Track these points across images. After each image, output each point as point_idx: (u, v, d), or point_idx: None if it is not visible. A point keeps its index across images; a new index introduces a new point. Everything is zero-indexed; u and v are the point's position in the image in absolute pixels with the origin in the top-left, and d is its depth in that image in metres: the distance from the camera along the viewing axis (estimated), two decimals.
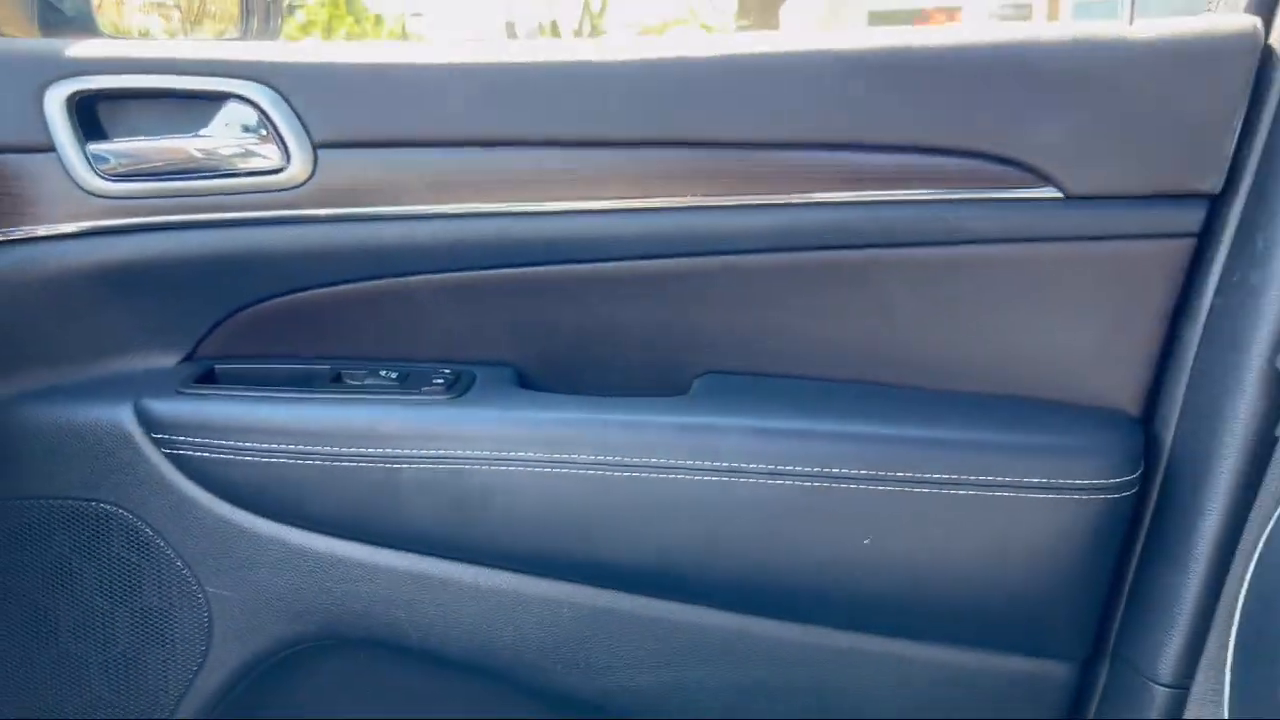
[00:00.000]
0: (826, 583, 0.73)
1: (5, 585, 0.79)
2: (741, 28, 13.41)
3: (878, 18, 18.85)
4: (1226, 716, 0.63)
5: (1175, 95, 0.69)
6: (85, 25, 0.89)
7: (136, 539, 0.77)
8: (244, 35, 1.03)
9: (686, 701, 0.77)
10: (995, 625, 0.75)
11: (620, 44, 0.75)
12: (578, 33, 18.73)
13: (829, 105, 0.71)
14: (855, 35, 0.72)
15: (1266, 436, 0.66)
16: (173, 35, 1.22)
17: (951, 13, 16.98)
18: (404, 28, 15.16)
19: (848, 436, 0.72)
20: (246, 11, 1.05)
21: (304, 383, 0.79)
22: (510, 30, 17.85)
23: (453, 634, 0.77)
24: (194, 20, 1.25)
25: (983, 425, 0.73)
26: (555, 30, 18.74)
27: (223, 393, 0.77)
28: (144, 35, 0.98)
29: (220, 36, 1.07)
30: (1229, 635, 0.63)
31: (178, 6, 1.23)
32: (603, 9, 18.25)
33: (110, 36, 0.90)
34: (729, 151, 0.72)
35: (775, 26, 13.47)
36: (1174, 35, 0.69)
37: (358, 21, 11.29)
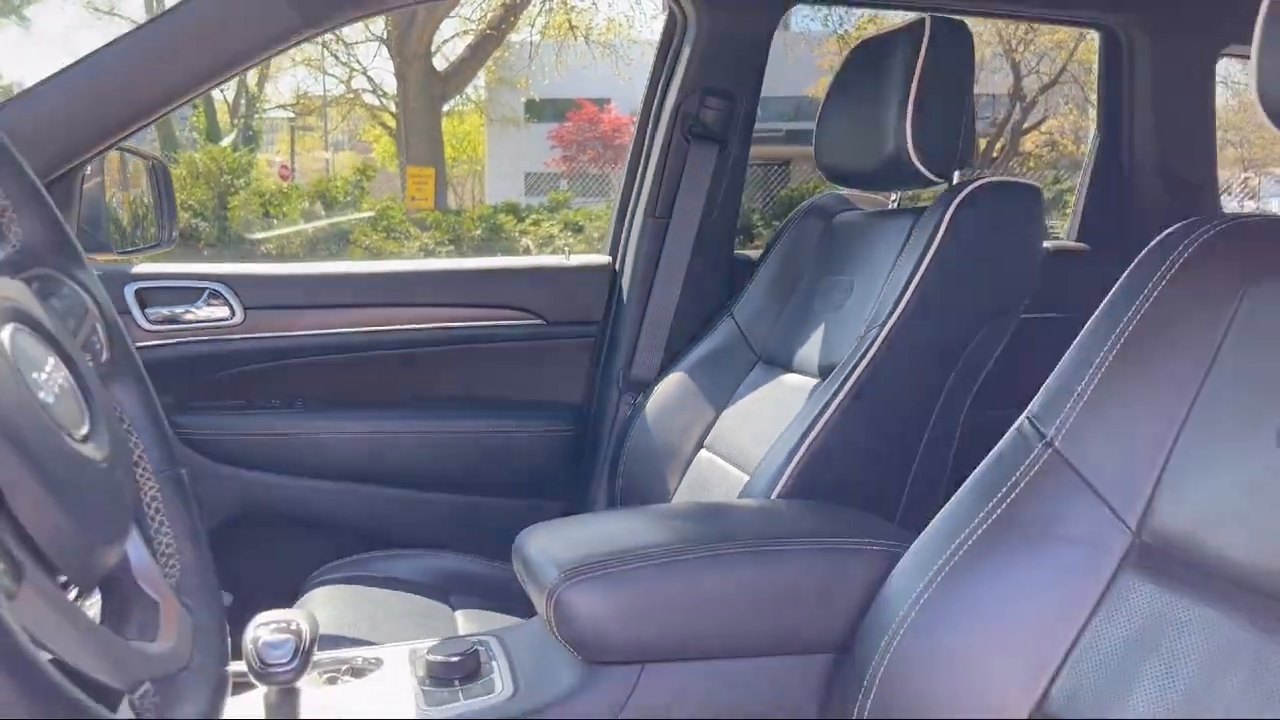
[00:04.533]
0: (449, 472, 1.93)
1: None
2: (399, 109, 14.65)
3: (534, 106, 20.57)
4: None
5: (578, 284, 1.98)
6: (107, 247, 1.93)
7: None
8: (161, 240, 2.10)
9: (411, 526, 1.93)
10: (513, 486, 1.96)
11: (367, 264, 1.93)
12: (232, 108, 19.05)
13: (441, 289, 1.93)
14: (456, 260, 1.96)
15: (620, 417, 1.93)
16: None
17: (601, 102, 19.09)
18: None
19: (455, 416, 1.93)
20: (159, 225, 2.11)
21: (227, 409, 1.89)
22: None
23: (315, 511, 1.89)
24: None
25: (510, 412, 1.97)
26: (209, 105, 18.83)
27: (203, 412, 1.85)
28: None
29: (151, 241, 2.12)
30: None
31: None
32: (259, 87, 18.71)
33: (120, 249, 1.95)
34: (415, 309, 1.92)
35: (435, 112, 14.74)
36: (582, 264, 1.99)
37: None
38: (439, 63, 14.37)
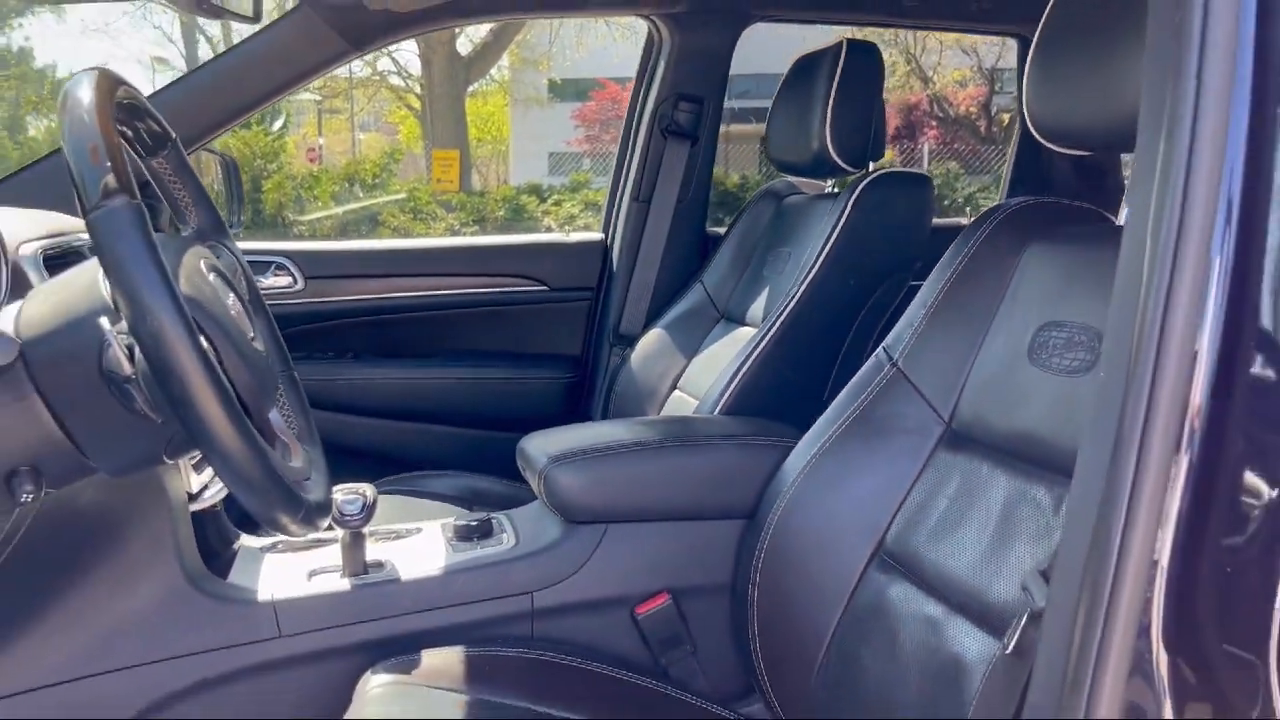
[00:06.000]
0: (469, 411, 2.37)
1: None
2: (425, 93, 15.05)
3: (557, 86, 20.87)
4: None
5: (576, 256, 2.42)
6: None
7: None
8: (232, 224, 2.54)
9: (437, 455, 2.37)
10: (522, 422, 2.41)
11: (404, 240, 2.37)
12: None
13: (463, 262, 2.37)
14: (476, 238, 2.39)
15: (611, 366, 2.36)
16: None
17: (624, 81, 19.37)
18: None
19: (474, 366, 2.38)
20: (230, 210, 2.56)
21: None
22: None
23: (359, 441, 2.33)
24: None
25: (520, 362, 2.41)
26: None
27: None
28: None
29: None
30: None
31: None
32: None
33: None
34: (442, 278, 2.36)
35: (459, 96, 15.10)
36: (579, 240, 2.42)
37: None
38: (463, 46, 14.79)
